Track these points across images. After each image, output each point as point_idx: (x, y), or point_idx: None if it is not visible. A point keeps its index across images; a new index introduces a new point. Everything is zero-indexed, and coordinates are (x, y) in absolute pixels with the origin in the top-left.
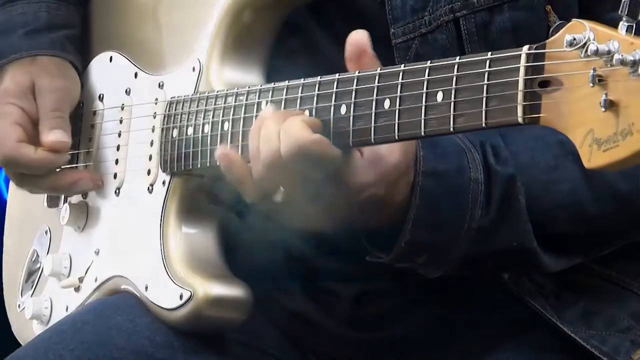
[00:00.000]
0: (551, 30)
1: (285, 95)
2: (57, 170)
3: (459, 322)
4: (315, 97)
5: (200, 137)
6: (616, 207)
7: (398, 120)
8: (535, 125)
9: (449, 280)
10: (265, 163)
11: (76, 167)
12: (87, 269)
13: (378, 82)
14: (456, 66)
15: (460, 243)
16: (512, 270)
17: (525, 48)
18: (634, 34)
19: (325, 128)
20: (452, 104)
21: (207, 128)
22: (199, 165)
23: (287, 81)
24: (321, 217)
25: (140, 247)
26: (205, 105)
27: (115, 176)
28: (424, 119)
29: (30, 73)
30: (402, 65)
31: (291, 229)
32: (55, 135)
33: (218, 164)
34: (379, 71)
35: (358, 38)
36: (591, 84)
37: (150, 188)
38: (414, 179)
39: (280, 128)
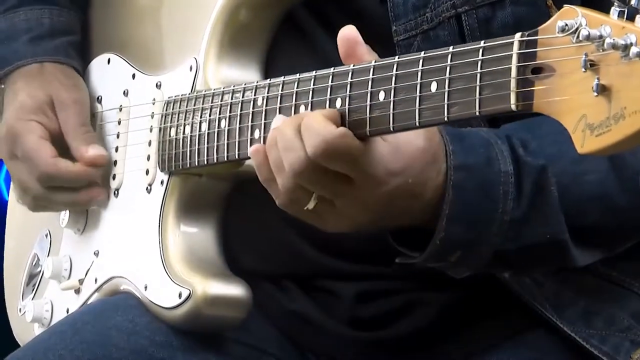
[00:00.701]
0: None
1: (281, 90)
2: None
3: (459, 322)
4: (310, 92)
5: (197, 136)
6: None
7: (393, 111)
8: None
9: (448, 280)
10: (291, 173)
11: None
12: (87, 271)
13: (373, 75)
14: (450, 56)
15: (493, 237)
16: (541, 266)
17: (518, 35)
18: (626, 19)
19: (343, 118)
20: (446, 93)
21: (204, 126)
22: (196, 164)
23: (282, 77)
24: (356, 217)
25: (139, 247)
26: (202, 104)
27: (114, 177)
28: (419, 109)
29: (45, 87)
30: (397, 57)
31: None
32: (95, 150)
33: (250, 159)
34: (373, 63)
35: (347, 33)
36: (583, 69)
37: (149, 188)
38: (446, 173)
39: (301, 128)
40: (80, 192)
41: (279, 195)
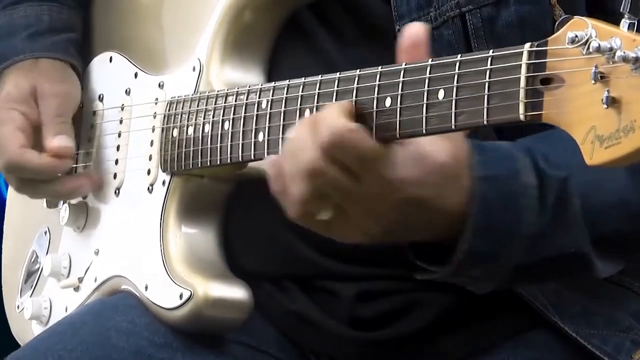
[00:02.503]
0: (556, 24)
1: (286, 94)
2: (59, 175)
3: (459, 321)
4: (316, 96)
5: (200, 137)
6: None
7: (399, 118)
8: None
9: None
10: (306, 174)
11: (75, 168)
12: (87, 269)
13: (379, 80)
14: (457, 64)
15: (516, 250)
16: (562, 277)
17: (527, 45)
18: (636, 31)
19: (361, 116)
20: (454, 101)
21: (208, 127)
22: (199, 165)
23: (287, 80)
24: (369, 227)
25: (140, 247)
26: (206, 105)
27: (115, 176)
28: (425, 117)
29: (31, 78)
30: (404, 63)
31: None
32: (59, 140)
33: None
34: (380, 69)
35: (414, 32)
36: (593, 81)
37: (150, 188)
38: (471, 185)
39: (315, 125)
40: (59, 182)
41: (293, 205)
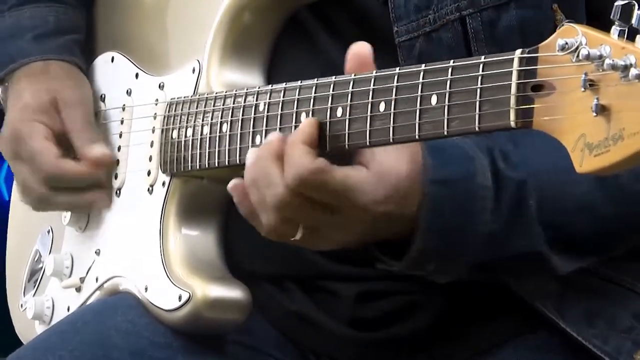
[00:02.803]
0: (557, 29)
1: (283, 97)
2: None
3: (460, 321)
4: (312, 100)
5: (199, 139)
6: (629, 208)
7: (393, 123)
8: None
9: (449, 281)
10: (275, 209)
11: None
12: (89, 269)
13: (374, 85)
14: (450, 69)
15: (470, 249)
16: (521, 274)
17: (518, 52)
18: (626, 38)
19: (322, 130)
20: (446, 107)
21: (206, 129)
22: (197, 167)
23: (284, 83)
24: (341, 239)
25: (140, 248)
26: (204, 107)
27: (116, 177)
28: (419, 123)
29: (47, 87)
30: (398, 68)
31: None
32: (99, 148)
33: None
34: (374, 74)
35: (359, 49)
36: (582, 89)
37: (150, 189)
38: (423, 187)
39: (283, 158)
40: (82, 193)
41: (263, 229)
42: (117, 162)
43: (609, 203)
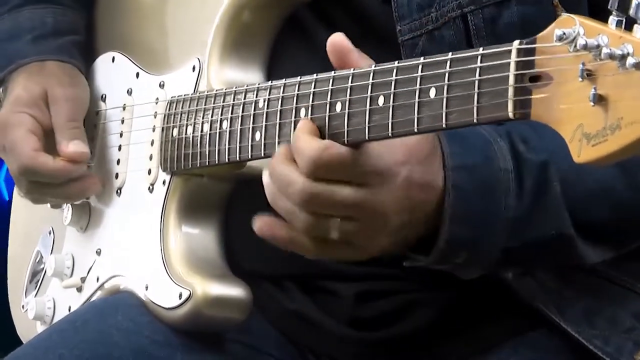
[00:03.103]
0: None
1: (282, 93)
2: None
3: (460, 321)
4: (311, 95)
5: (199, 136)
6: None
7: (392, 117)
8: None
9: (449, 280)
10: (302, 206)
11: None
12: (89, 269)
13: (372, 79)
14: (449, 62)
15: (498, 236)
16: (551, 262)
17: (516, 43)
18: (624, 28)
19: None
20: (445, 100)
21: (206, 127)
22: (198, 165)
23: (284, 79)
24: (382, 229)
25: (140, 247)
26: (204, 104)
27: (117, 176)
28: (417, 116)
29: (41, 82)
30: (397, 61)
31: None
32: (75, 146)
33: (259, 235)
34: (373, 68)
35: (335, 41)
36: (580, 79)
37: (151, 188)
38: (445, 175)
39: (290, 155)
40: (69, 185)
41: (305, 244)
42: (118, 161)
43: (629, 188)
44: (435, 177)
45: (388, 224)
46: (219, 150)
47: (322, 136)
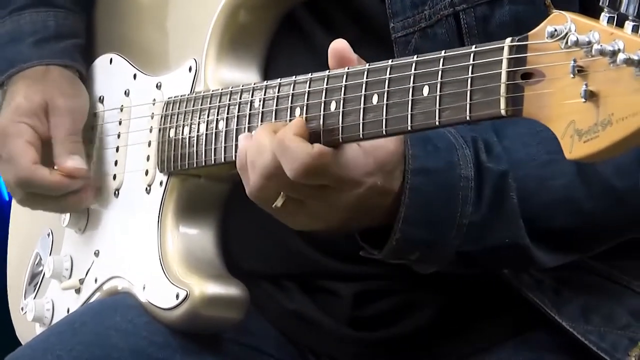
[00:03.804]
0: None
1: (278, 92)
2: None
3: (459, 321)
4: (306, 94)
5: (195, 137)
6: (611, 203)
7: (386, 115)
8: (528, 120)
9: (448, 279)
10: (261, 174)
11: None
12: (88, 271)
13: (366, 78)
14: (441, 60)
15: (451, 240)
16: (506, 267)
17: (508, 40)
18: (616, 25)
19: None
20: (438, 97)
21: (202, 127)
22: (194, 165)
23: (279, 79)
24: (325, 216)
25: (138, 248)
26: (201, 105)
27: (114, 177)
28: (411, 114)
29: (43, 91)
30: (390, 60)
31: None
32: (73, 162)
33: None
34: (367, 67)
35: (337, 48)
36: (572, 75)
37: (148, 188)
38: (403, 177)
39: (275, 146)
40: (65, 198)
41: (249, 187)
42: (115, 162)
43: (590, 198)
44: (396, 183)
45: (333, 214)
46: (215, 150)
47: (317, 134)
